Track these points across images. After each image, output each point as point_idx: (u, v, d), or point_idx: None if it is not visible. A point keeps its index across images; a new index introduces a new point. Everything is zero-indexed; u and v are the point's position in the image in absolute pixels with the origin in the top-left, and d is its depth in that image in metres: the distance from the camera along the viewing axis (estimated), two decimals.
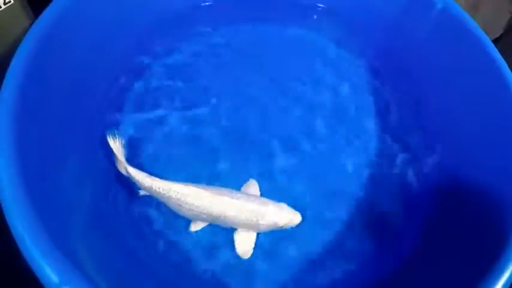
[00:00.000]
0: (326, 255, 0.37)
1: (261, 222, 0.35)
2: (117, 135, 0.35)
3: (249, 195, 0.37)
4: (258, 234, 0.37)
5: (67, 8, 0.36)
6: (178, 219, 0.37)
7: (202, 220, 0.36)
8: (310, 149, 0.43)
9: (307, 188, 0.40)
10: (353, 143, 0.44)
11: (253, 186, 0.39)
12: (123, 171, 0.36)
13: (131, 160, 0.36)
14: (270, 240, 0.37)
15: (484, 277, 0.28)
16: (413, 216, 0.40)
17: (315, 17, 0.53)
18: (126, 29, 0.44)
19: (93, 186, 0.37)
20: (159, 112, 0.43)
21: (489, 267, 0.28)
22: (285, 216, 0.35)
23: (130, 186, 0.37)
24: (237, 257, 0.36)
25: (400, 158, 0.44)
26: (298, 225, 0.36)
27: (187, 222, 0.37)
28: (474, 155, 0.39)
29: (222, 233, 0.37)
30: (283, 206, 0.36)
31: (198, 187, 0.34)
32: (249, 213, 0.34)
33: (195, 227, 0.37)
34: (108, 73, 0.43)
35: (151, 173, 0.35)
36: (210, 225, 0.36)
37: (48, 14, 0.35)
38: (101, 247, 0.33)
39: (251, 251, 0.36)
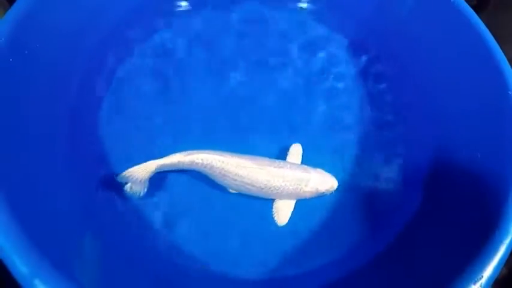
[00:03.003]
0: (314, 237, 0.37)
1: (305, 189, 0.35)
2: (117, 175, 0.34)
3: (288, 162, 0.37)
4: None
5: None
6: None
7: (243, 191, 0.36)
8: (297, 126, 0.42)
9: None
10: (338, 121, 0.43)
11: (297, 150, 0.39)
12: (154, 170, 0.35)
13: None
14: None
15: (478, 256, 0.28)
16: (404, 198, 0.39)
17: None
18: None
19: None
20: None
21: (481, 250, 0.28)
22: (327, 182, 0.36)
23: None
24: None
25: (387, 136, 0.43)
26: None
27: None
28: (463, 131, 0.39)
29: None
30: (323, 172, 0.37)
31: (243, 157, 0.35)
32: (295, 182, 0.35)
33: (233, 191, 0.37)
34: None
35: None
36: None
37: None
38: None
39: (288, 218, 0.36)
